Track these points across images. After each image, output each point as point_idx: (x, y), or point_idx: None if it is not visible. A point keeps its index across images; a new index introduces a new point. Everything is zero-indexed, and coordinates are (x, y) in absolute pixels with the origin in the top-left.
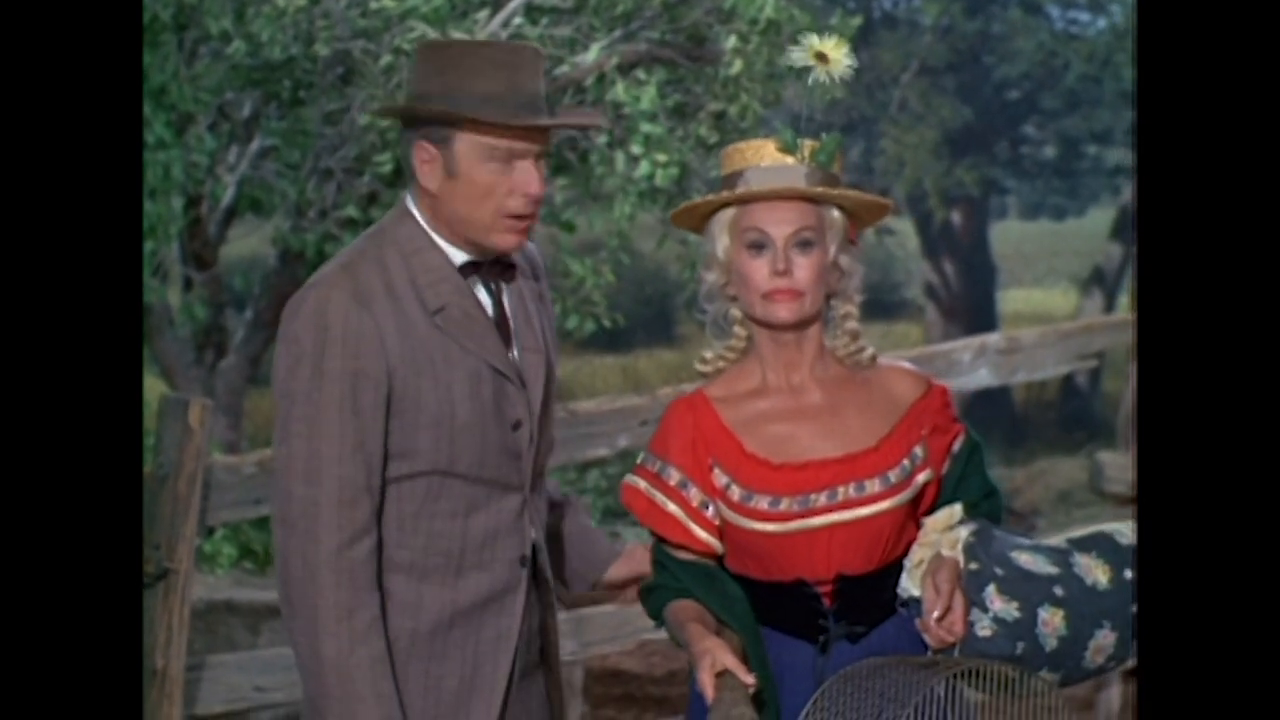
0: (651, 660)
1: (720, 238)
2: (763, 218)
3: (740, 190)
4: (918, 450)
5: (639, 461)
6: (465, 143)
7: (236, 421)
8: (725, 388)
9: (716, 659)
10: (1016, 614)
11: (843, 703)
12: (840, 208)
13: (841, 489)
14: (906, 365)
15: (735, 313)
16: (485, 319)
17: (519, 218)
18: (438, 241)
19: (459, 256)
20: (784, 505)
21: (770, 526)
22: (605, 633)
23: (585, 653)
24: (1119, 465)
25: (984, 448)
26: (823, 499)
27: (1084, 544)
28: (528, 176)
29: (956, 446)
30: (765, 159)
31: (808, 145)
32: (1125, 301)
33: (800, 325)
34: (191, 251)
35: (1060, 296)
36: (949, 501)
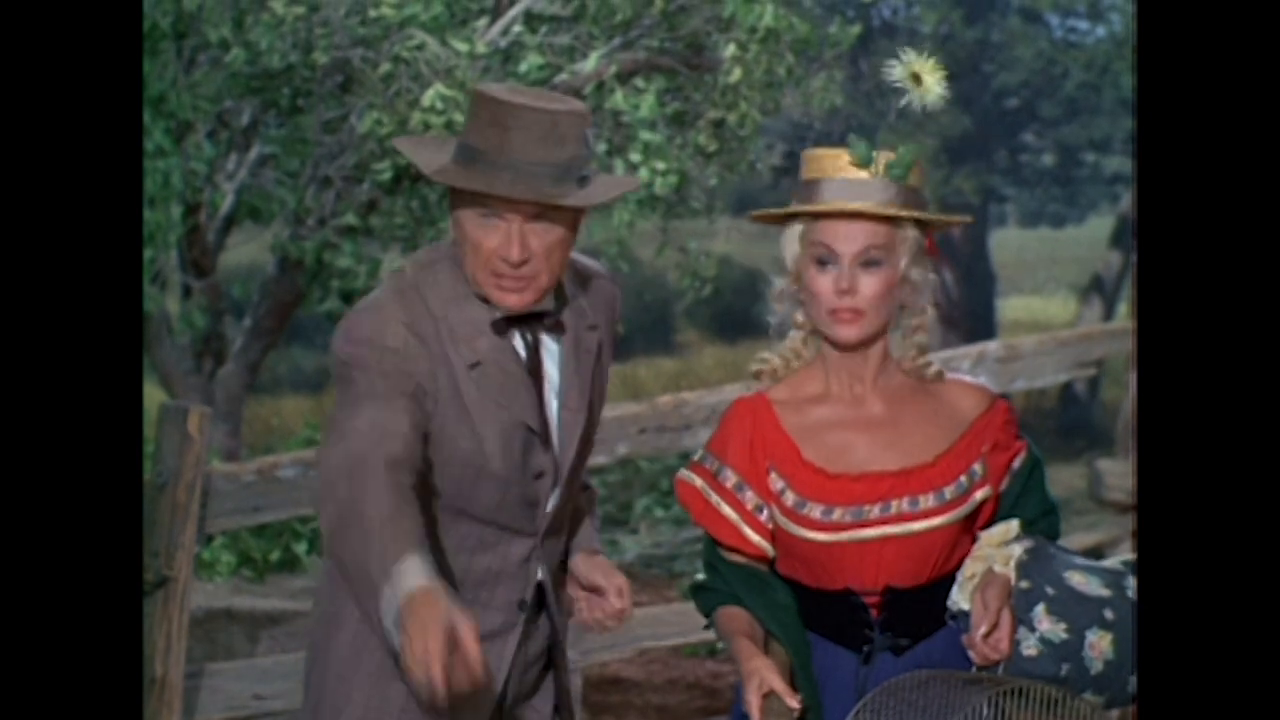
0: (651, 668)
1: (791, 245)
2: (831, 234)
3: (815, 203)
4: (976, 467)
5: (695, 458)
6: (461, 197)
7: (235, 429)
8: (788, 391)
9: (764, 680)
10: (1064, 635)
11: (885, 715)
12: (915, 221)
13: (895, 502)
14: (971, 380)
15: (799, 318)
16: (521, 375)
17: (504, 276)
18: (474, 293)
19: (495, 311)
20: (836, 515)
21: (822, 536)
22: (604, 640)
23: (584, 660)
24: (1118, 473)
25: (1044, 465)
26: (876, 511)
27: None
28: (506, 240)
29: (1017, 464)
30: (840, 172)
31: (883, 158)
32: (1124, 309)
33: (864, 342)
34: (190, 259)
35: (1059, 304)
36: (1006, 518)
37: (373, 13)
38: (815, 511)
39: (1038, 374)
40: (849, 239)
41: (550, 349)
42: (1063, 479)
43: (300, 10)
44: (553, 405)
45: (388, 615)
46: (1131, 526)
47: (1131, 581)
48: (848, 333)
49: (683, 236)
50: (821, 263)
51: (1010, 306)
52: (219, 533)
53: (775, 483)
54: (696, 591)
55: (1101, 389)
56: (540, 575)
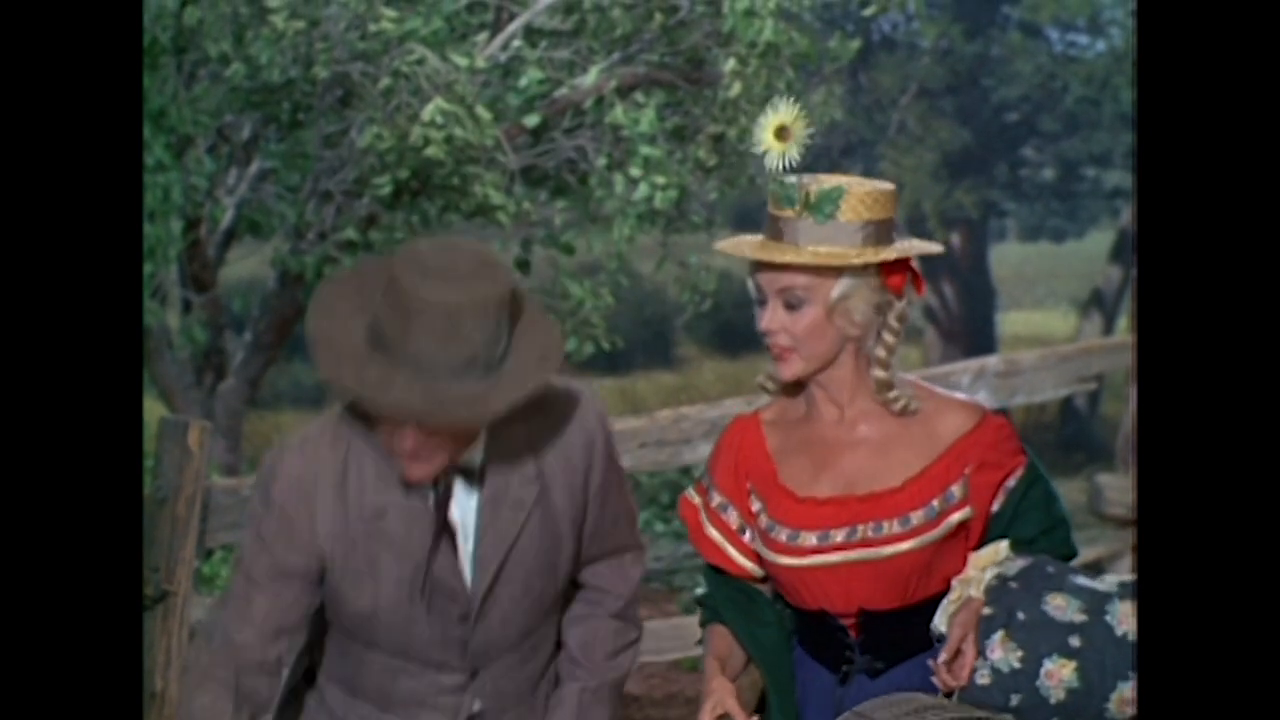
0: (651, 683)
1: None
2: (759, 270)
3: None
4: (954, 489)
5: (697, 476)
6: None
7: (235, 444)
8: (779, 411)
9: (719, 702)
10: (1016, 664)
11: None
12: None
13: (861, 528)
14: (961, 398)
15: None
16: (429, 522)
17: (402, 459)
18: None
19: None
20: (802, 540)
21: (788, 560)
22: None
23: None
24: (1118, 487)
25: (1047, 480)
26: (841, 536)
27: (1132, 590)
28: (401, 439)
29: (1012, 482)
30: (773, 206)
31: (810, 193)
32: (1124, 324)
33: (808, 375)
34: (190, 274)
35: (1059, 319)
36: (998, 538)
37: (373, 27)
38: (783, 536)
39: (1038, 389)
40: (770, 279)
41: (463, 497)
42: (1062, 493)
43: (300, 25)
44: (466, 550)
45: None
46: (1131, 541)
47: (1116, 606)
48: (784, 370)
49: (683, 251)
50: (759, 301)
51: (1010, 321)
52: (219, 547)
53: (754, 503)
54: (698, 605)
55: (1101, 403)
56: (476, 706)
